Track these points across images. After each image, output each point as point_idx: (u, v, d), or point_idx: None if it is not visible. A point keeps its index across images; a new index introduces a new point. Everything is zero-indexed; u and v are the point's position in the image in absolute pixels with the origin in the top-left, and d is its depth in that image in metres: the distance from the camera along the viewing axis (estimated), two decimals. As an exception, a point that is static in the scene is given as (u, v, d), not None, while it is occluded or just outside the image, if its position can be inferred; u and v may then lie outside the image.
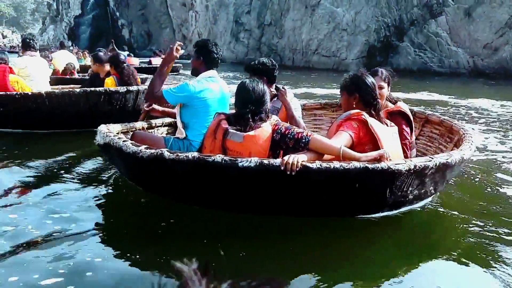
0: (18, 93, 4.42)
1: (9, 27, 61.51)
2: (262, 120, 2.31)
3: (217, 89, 2.79)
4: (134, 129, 3.08)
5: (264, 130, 2.27)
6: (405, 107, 2.79)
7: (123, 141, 2.38)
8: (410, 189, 2.25)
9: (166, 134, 3.32)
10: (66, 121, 4.51)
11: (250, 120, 2.28)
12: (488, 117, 6.69)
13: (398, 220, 2.39)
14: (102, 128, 2.70)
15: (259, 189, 2.14)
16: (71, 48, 15.74)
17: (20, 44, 6.80)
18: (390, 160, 2.12)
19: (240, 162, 2.01)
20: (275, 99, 2.97)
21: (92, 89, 4.60)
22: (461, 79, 15.03)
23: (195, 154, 2.11)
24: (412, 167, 2.11)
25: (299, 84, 12.36)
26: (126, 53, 9.74)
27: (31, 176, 3.09)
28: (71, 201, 2.59)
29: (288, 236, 2.19)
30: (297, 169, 1.98)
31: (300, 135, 2.20)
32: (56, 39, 36.76)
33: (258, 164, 2.00)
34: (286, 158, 2.00)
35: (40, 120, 4.43)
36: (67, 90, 4.58)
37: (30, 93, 4.44)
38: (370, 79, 2.41)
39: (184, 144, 2.71)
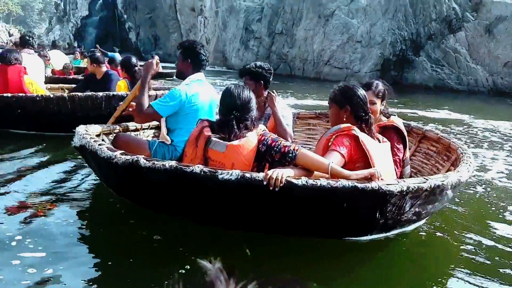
0: (39, 95, 4.46)
1: (16, 26, 62.76)
2: (247, 129, 2.26)
3: (206, 93, 2.77)
4: (117, 130, 3.03)
5: (249, 140, 2.21)
6: (398, 122, 2.75)
7: (99, 144, 2.35)
8: (402, 211, 2.19)
9: (152, 137, 3.30)
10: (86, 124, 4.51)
11: (235, 127, 2.23)
12: (509, 140, 6.53)
13: (388, 243, 2.33)
14: (80, 129, 2.66)
15: (239, 204, 2.10)
16: (78, 48, 15.99)
17: (16, 41, 6.96)
18: (381, 179, 2.06)
19: (221, 174, 1.96)
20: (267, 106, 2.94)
21: (115, 93, 4.65)
22: (479, 98, 14.89)
23: (173, 163, 2.06)
24: (405, 188, 2.04)
25: (308, 94, 12.36)
26: (116, 54, 9.78)
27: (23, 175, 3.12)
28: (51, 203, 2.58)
29: (268, 255, 2.13)
30: (281, 184, 1.92)
31: (286, 149, 2.14)
32: (62, 39, 37.48)
33: (239, 177, 1.95)
34: (270, 172, 1.96)
35: (58, 122, 4.44)
36: (90, 93, 4.61)
37: (52, 96, 4.48)
38: (361, 92, 2.37)
39: (169, 150, 2.68)
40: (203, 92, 2.71)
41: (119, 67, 7.94)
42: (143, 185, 2.27)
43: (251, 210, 2.12)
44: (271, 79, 3.05)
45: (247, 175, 1.97)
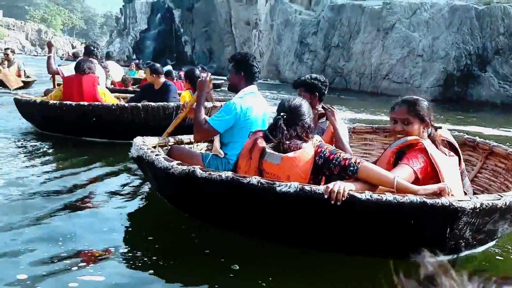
0: (115, 104, 4.67)
1: (78, 39, 67.47)
2: (299, 137, 2.23)
3: (259, 105, 2.79)
4: (172, 143, 3.13)
5: (305, 152, 2.17)
6: (446, 134, 2.57)
7: (156, 155, 2.41)
8: (473, 230, 2.05)
9: (206, 150, 3.36)
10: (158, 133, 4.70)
11: (284, 128, 2.20)
12: None
13: (453, 266, 2.16)
14: (137, 140, 2.76)
15: (297, 218, 2.06)
16: (136, 61, 16.90)
17: (74, 53, 7.60)
18: (452, 195, 1.95)
19: (279, 186, 1.94)
20: (322, 119, 2.88)
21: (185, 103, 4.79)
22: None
23: (229, 174, 2.07)
24: (478, 205, 1.91)
25: (365, 109, 12.10)
26: (168, 67, 10.20)
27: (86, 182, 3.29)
28: (100, 209, 2.71)
29: (323, 272, 2.06)
30: (343, 198, 1.87)
31: (347, 161, 2.08)
32: (122, 51, 39.81)
33: (298, 189, 1.92)
34: (331, 185, 1.90)
35: (131, 131, 4.54)
36: (162, 103, 4.77)
37: (127, 105, 4.67)
38: (426, 103, 2.29)
39: (222, 163, 2.72)
40: (256, 105, 2.74)
41: (175, 80, 8.28)
42: (198, 196, 2.29)
43: (309, 225, 2.08)
44: (326, 92, 3.02)
45: (307, 187, 1.93)
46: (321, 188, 1.92)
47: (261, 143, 2.26)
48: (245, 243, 2.28)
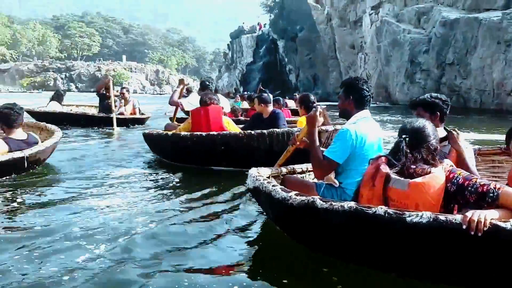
0: (242, 132, 4.86)
1: (191, 76, 73.76)
2: (427, 163, 2.10)
3: (373, 131, 2.69)
4: (284, 173, 3.13)
5: (435, 177, 2.03)
6: None
7: (273, 185, 2.42)
8: None
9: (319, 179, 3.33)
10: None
11: (407, 150, 2.09)
12: None
13: None
14: (253, 171, 2.80)
15: (430, 250, 1.92)
16: (245, 93, 17.88)
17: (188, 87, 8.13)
18: None
19: (409, 216, 1.82)
20: (444, 143, 2.69)
21: (297, 128, 4.83)
22: None
23: (352, 204, 2.00)
24: None
25: (488, 128, 10.99)
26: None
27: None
28: (217, 235, 2.81)
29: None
30: (485, 228, 1.72)
31: (485, 188, 1.91)
32: (230, 84, 42.48)
33: (431, 220, 1.80)
34: (469, 214, 1.76)
35: (257, 157, 4.67)
36: (286, 128, 4.92)
37: (253, 132, 4.81)
38: None
39: (337, 192, 2.64)
40: (370, 130, 2.65)
41: (284, 108, 8.53)
42: (318, 228, 2.25)
43: (443, 259, 1.92)
44: (447, 112, 2.83)
45: (441, 217, 1.80)
46: (457, 217, 1.78)
47: (385, 168, 2.17)
48: (374, 277, 2.18)
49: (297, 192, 2.33)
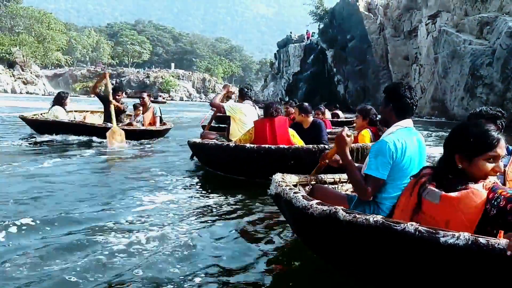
0: (315, 146, 4.68)
1: (236, 85, 75.12)
2: (470, 179, 1.85)
3: (415, 143, 2.49)
4: (314, 182, 3.03)
5: (473, 194, 1.79)
6: None
7: (294, 192, 2.31)
8: None
9: (352, 191, 3.12)
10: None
11: (448, 166, 1.92)
12: None
13: None
14: (277, 177, 2.70)
15: (464, 276, 1.66)
16: (291, 102, 17.82)
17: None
18: None
19: (443, 236, 1.59)
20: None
21: (363, 144, 4.66)
22: None
23: (379, 218, 1.80)
24: None
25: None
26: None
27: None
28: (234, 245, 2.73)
29: None
30: None
31: None
32: (275, 94, 42.57)
33: (470, 242, 1.54)
34: None
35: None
36: (361, 144, 4.70)
37: (327, 146, 4.64)
38: None
39: (370, 206, 2.46)
40: (411, 142, 2.46)
41: (326, 117, 8.33)
42: (340, 243, 2.08)
43: (481, 285, 1.64)
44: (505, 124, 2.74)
45: (482, 241, 1.53)
46: (502, 242, 1.51)
47: (425, 177, 2.00)
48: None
49: (319, 201, 2.15)
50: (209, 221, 3.28)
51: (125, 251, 2.53)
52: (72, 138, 7.68)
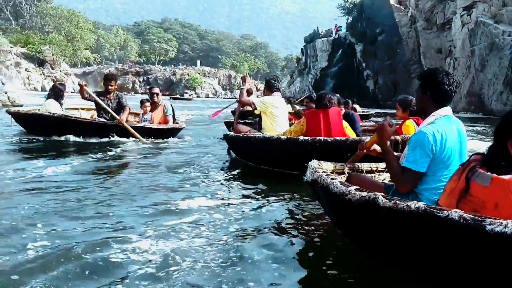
0: (361, 138, 4.48)
1: (262, 81, 75.38)
2: None
3: (455, 132, 2.39)
4: (351, 170, 2.99)
5: None
6: None
7: (332, 178, 2.28)
8: None
9: (389, 181, 3.04)
10: None
11: (504, 156, 1.85)
12: None
13: None
14: (313, 163, 2.67)
15: None
16: (310, 94, 17.80)
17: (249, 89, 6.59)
18: None
19: (490, 224, 1.51)
20: None
21: (406, 135, 4.44)
22: None
23: (421, 204, 1.74)
24: None
25: None
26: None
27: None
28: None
29: None
30: None
31: None
32: (302, 90, 42.30)
33: None
34: None
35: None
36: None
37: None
38: None
39: (409, 197, 2.38)
40: (451, 132, 2.37)
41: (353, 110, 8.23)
42: (379, 231, 2.03)
43: None
44: None
45: (533, 229, 1.44)
46: None
47: (475, 162, 1.95)
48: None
49: (357, 187, 2.12)
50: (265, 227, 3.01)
51: (178, 248, 2.41)
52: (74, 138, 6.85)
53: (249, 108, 6.52)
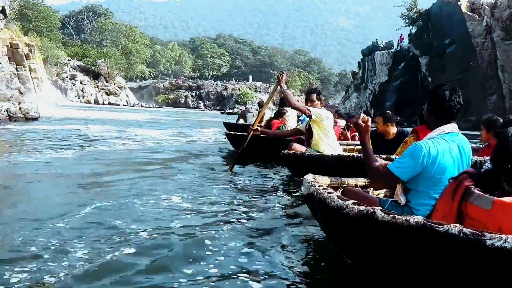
0: None
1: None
2: None
3: (456, 150, 2.49)
4: (345, 185, 3.17)
5: None
6: None
7: (328, 192, 2.40)
8: None
9: (384, 196, 3.28)
10: None
11: (504, 182, 1.97)
12: None
13: None
14: (308, 177, 2.82)
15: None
16: (340, 112, 17.39)
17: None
18: None
19: (490, 239, 1.59)
20: None
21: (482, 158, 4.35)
22: None
23: (420, 219, 1.82)
24: None
25: None
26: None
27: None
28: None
29: None
30: None
31: None
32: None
33: None
34: None
35: None
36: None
37: None
38: None
39: (403, 211, 2.50)
40: (451, 150, 2.47)
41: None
42: (377, 246, 2.09)
43: None
44: None
45: (533, 244, 1.51)
46: None
47: (468, 182, 2.09)
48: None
49: (355, 201, 2.23)
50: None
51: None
52: None
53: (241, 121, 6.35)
